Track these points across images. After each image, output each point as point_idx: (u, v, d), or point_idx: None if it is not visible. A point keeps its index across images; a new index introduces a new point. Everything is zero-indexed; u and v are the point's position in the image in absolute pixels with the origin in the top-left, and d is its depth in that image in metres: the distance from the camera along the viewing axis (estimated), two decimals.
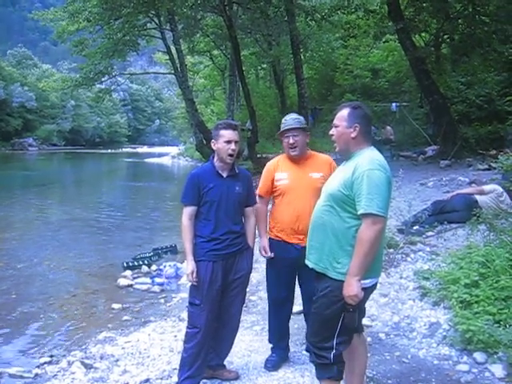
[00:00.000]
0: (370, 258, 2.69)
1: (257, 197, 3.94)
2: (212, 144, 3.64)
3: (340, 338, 2.84)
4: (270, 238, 3.92)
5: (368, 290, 2.86)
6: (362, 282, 2.72)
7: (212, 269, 3.52)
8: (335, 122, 2.96)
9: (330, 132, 3.00)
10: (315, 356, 2.92)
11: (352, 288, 2.68)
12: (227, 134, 3.56)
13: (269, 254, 3.87)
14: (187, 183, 3.61)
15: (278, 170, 3.91)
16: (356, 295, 2.68)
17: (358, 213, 2.70)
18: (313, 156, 3.95)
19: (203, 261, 3.52)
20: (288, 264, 3.78)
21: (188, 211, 3.57)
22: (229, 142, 3.54)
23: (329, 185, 2.98)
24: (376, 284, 2.97)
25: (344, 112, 2.92)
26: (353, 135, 2.87)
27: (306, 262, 3.03)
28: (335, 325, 2.81)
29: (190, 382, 3.53)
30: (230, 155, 3.56)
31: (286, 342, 4.07)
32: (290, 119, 3.88)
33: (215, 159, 3.64)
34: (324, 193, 2.98)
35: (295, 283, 3.94)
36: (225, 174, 3.62)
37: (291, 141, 3.80)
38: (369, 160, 2.76)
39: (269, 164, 4.06)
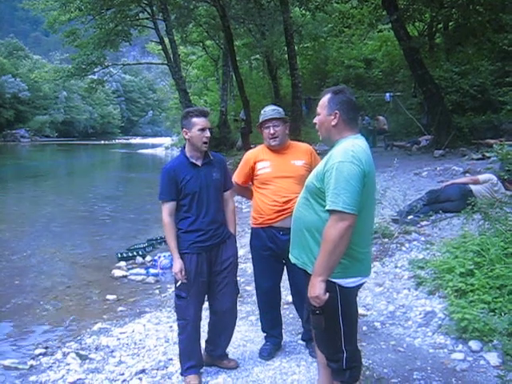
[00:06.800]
0: (336, 257, 2.46)
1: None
2: (184, 133, 3.55)
3: (346, 338, 2.66)
4: (255, 228, 3.92)
5: (354, 289, 2.69)
6: (344, 281, 2.58)
7: (196, 261, 3.49)
8: (317, 109, 2.77)
9: (314, 120, 2.81)
10: (328, 361, 2.79)
11: (314, 289, 2.49)
12: (200, 121, 3.49)
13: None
14: (163, 179, 3.53)
15: (259, 160, 3.89)
16: (318, 297, 2.49)
17: (325, 208, 2.50)
18: (293, 145, 3.96)
19: (187, 253, 3.48)
20: (274, 253, 3.77)
21: (168, 207, 3.51)
22: (203, 129, 3.48)
23: (309, 176, 2.82)
24: (363, 283, 2.78)
25: (325, 98, 2.71)
26: (333, 123, 2.66)
27: (290, 256, 2.89)
28: (337, 329, 2.63)
29: (194, 370, 3.58)
30: (205, 143, 3.50)
31: (278, 330, 4.06)
32: (270, 110, 3.88)
33: (187, 149, 3.57)
34: (304, 184, 2.82)
35: (282, 272, 3.92)
36: (199, 163, 3.55)
37: (272, 131, 3.79)
38: (343, 151, 2.53)
39: (248, 153, 4.07)
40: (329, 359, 2.78)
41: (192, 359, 3.58)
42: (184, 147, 3.61)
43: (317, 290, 2.49)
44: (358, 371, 2.80)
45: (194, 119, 3.50)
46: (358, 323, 2.85)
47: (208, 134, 3.51)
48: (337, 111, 2.65)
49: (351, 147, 2.55)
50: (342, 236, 2.43)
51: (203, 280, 3.52)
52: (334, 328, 2.63)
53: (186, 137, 3.54)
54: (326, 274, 2.49)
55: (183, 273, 3.43)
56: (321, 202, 2.59)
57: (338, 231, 2.42)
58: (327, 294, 2.51)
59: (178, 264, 3.44)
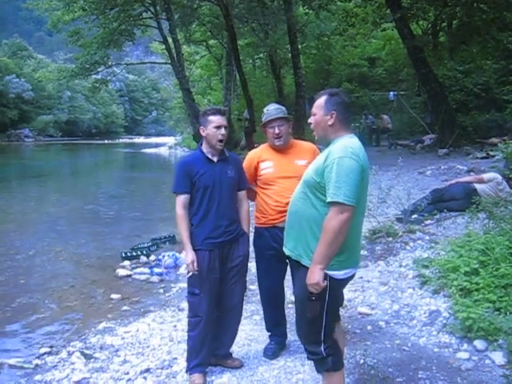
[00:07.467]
0: (335, 247, 2.62)
1: None
2: (201, 131, 3.62)
3: (326, 329, 2.80)
4: (258, 228, 3.91)
5: (344, 281, 2.85)
6: (337, 273, 2.71)
7: (209, 258, 3.51)
8: (313, 109, 2.90)
9: (309, 120, 2.94)
10: (308, 353, 2.92)
11: (314, 276, 2.63)
12: (216, 119, 3.54)
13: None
14: (178, 171, 3.58)
15: (262, 159, 3.89)
16: (317, 283, 2.63)
17: (326, 201, 2.63)
18: (296, 144, 3.96)
19: (200, 250, 3.50)
20: (278, 253, 3.74)
21: (181, 200, 3.53)
22: (218, 127, 3.53)
23: (306, 171, 2.94)
24: (353, 275, 2.92)
25: (321, 99, 2.85)
26: (330, 123, 2.80)
27: (284, 249, 2.99)
28: (320, 319, 2.76)
29: (200, 369, 3.59)
30: (220, 140, 3.55)
31: (282, 329, 4.06)
32: (273, 109, 3.86)
33: (204, 146, 3.63)
34: (301, 179, 2.94)
35: (286, 272, 3.91)
36: (215, 159, 3.61)
37: (277, 131, 3.78)
38: (341, 147, 2.68)
39: (251, 153, 4.06)
40: (310, 352, 2.88)
41: (199, 357, 3.59)
42: (201, 144, 3.66)
43: (316, 276, 2.63)
44: (339, 358, 2.91)
45: (211, 117, 3.55)
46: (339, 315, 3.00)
47: (223, 131, 3.56)
48: (333, 112, 2.80)
49: (349, 144, 2.72)
50: (342, 227, 2.59)
51: (216, 276, 3.54)
52: (317, 317, 2.76)
53: (203, 134, 3.59)
54: (326, 262, 2.64)
55: (195, 264, 3.43)
56: (319, 197, 2.72)
57: (338, 222, 2.57)
58: (325, 281, 2.66)
59: (190, 255, 3.46)
